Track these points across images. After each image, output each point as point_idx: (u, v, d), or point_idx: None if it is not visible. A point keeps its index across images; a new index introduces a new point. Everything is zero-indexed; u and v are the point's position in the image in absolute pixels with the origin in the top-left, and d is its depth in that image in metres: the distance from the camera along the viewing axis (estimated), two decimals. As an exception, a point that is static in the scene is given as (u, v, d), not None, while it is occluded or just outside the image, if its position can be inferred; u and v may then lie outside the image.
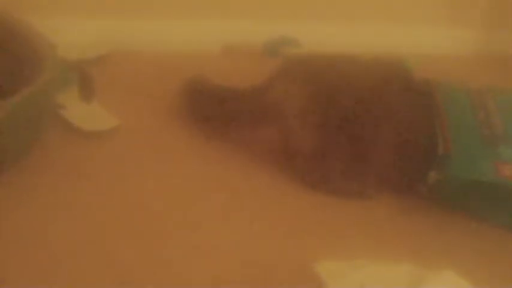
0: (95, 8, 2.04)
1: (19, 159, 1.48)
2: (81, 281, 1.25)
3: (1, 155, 1.42)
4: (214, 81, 1.78)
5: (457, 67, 2.23)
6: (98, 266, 1.29)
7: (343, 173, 1.59)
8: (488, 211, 1.54)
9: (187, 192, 1.54)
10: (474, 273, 1.35)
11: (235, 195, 1.55)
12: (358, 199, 1.59)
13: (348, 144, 1.57)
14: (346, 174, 1.59)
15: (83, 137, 1.64)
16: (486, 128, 1.55)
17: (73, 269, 1.28)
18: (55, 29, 1.70)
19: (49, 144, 1.57)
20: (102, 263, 1.30)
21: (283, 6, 2.19)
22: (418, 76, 1.69)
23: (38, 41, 1.56)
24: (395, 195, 1.59)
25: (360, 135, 1.57)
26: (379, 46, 2.13)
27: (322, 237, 1.46)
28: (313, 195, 1.57)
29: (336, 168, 1.59)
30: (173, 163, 1.62)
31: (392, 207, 1.58)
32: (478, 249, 1.48)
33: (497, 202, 1.52)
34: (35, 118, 1.48)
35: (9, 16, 1.63)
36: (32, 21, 1.61)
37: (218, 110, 1.70)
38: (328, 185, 1.59)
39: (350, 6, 2.26)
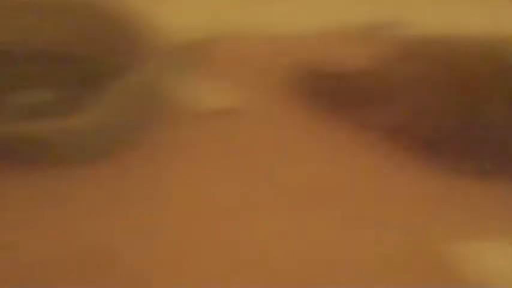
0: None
1: (133, 142, 1.49)
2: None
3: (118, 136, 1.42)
4: (325, 63, 1.75)
5: None
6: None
7: (472, 152, 1.53)
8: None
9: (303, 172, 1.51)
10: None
11: (362, 178, 1.51)
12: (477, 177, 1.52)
13: (461, 129, 1.53)
14: (475, 153, 1.53)
15: (197, 117, 1.64)
16: None
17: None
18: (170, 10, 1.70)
19: (163, 126, 1.58)
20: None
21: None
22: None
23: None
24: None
25: (476, 121, 1.52)
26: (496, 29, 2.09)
27: (450, 221, 1.41)
28: (441, 177, 1.51)
29: (449, 154, 1.54)
30: (286, 145, 1.60)
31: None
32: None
33: None
34: (147, 99, 1.49)
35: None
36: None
37: (341, 91, 1.68)
38: (458, 165, 1.53)
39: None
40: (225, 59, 1.87)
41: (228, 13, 2.05)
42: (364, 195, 1.47)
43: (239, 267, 1.27)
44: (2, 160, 1.41)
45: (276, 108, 1.71)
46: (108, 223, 1.34)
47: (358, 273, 1.28)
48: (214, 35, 1.98)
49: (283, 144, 1.59)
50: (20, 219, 1.34)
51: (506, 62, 1.58)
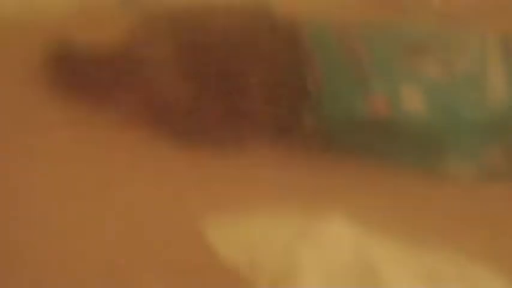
0: None
1: None
2: None
3: None
4: (74, 43, 1.69)
5: (322, 2, 2.22)
6: None
7: (217, 122, 1.55)
8: (366, 148, 1.54)
9: (55, 167, 1.47)
10: (364, 214, 1.36)
11: (109, 163, 1.49)
12: (235, 147, 1.55)
13: (219, 95, 1.54)
14: (220, 125, 1.55)
15: None
16: (355, 65, 1.55)
17: None
18: None
19: None
20: None
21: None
22: (281, 15, 1.66)
23: None
24: (275, 141, 1.56)
25: (230, 86, 1.54)
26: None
27: (204, 195, 1.43)
28: (190, 153, 1.52)
29: (209, 118, 1.55)
30: (38, 135, 1.54)
31: (273, 156, 1.55)
32: (365, 189, 1.48)
33: (372, 137, 1.52)
34: None
35: None
36: None
37: (83, 76, 1.63)
38: (203, 136, 1.56)
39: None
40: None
41: None
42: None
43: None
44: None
45: (22, 99, 1.63)
46: None
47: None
48: None
49: (29, 137, 1.53)
50: None
51: (253, 26, 1.61)
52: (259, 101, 1.55)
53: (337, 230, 1.30)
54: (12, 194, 1.36)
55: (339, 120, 1.51)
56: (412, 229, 1.35)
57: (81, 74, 1.64)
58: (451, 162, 1.54)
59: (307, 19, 1.65)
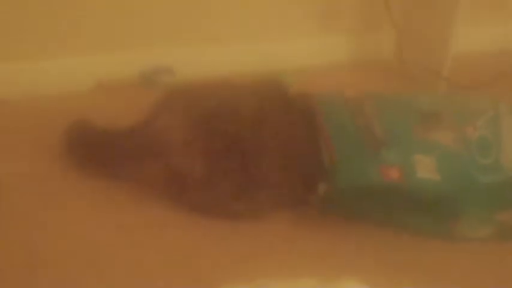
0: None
1: None
2: None
3: None
4: (94, 121, 1.74)
5: (333, 75, 2.27)
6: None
7: (233, 196, 1.57)
8: (381, 215, 1.55)
9: (79, 236, 1.49)
10: (376, 279, 1.35)
11: (128, 232, 1.52)
12: (251, 220, 1.57)
13: (235, 168, 1.56)
14: (237, 196, 1.57)
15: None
16: (368, 134, 1.57)
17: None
18: None
19: None
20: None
21: (153, 35, 2.18)
22: (296, 91, 1.70)
23: None
24: (289, 212, 1.59)
25: (247, 158, 1.57)
26: (255, 65, 2.17)
27: (221, 263, 1.44)
28: (207, 223, 1.55)
29: (225, 192, 1.57)
30: (62, 209, 1.57)
31: (287, 224, 1.57)
32: (378, 255, 1.49)
33: (387, 205, 1.53)
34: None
35: None
36: None
37: (102, 151, 1.67)
38: (218, 209, 1.57)
39: (220, 29, 2.28)
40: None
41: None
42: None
43: None
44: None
45: (44, 174, 1.68)
46: None
47: None
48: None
49: (50, 213, 1.56)
50: None
51: (267, 101, 1.64)
52: (274, 174, 1.57)
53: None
54: (34, 264, 1.38)
55: (353, 190, 1.51)
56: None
57: (99, 149, 1.67)
58: (465, 225, 1.54)
59: (319, 93, 1.69)
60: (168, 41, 2.20)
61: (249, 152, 1.57)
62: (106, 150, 1.66)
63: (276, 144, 1.58)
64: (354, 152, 1.54)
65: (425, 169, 1.52)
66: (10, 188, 1.61)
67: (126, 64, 2.14)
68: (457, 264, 1.48)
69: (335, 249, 1.50)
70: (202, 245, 1.50)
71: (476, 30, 2.55)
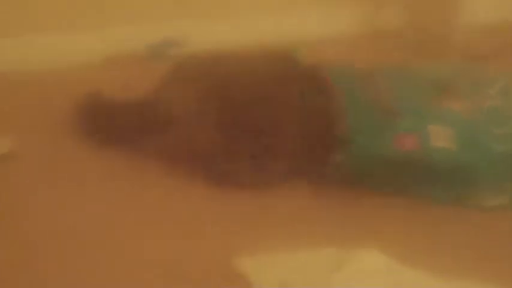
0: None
1: None
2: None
3: None
4: (105, 94, 1.74)
5: (343, 45, 2.26)
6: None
7: (249, 166, 1.57)
8: (396, 184, 1.55)
9: (91, 211, 1.49)
10: (394, 247, 1.36)
11: (144, 205, 1.51)
12: (267, 190, 1.56)
13: (249, 138, 1.56)
14: (253, 166, 1.57)
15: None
16: (381, 104, 1.57)
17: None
18: None
19: None
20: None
21: (161, 8, 2.18)
22: (307, 62, 1.69)
23: None
24: (305, 181, 1.58)
25: (260, 128, 1.56)
26: (264, 37, 2.16)
27: (240, 232, 1.44)
28: (224, 193, 1.54)
29: (241, 162, 1.57)
30: (72, 183, 1.57)
31: (304, 193, 1.57)
32: (396, 223, 1.49)
33: (401, 174, 1.53)
34: None
35: None
36: None
37: (114, 124, 1.66)
38: (235, 179, 1.57)
39: (229, 0, 2.27)
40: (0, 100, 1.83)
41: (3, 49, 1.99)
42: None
43: None
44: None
45: (54, 148, 1.68)
46: None
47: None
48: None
49: (63, 185, 1.56)
50: None
51: (278, 71, 1.64)
52: (289, 144, 1.57)
53: (369, 261, 1.30)
54: (47, 239, 1.39)
55: (368, 158, 1.52)
56: (442, 258, 1.35)
57: (113, 122, 1.67)
58: (481, 194, 1.54)
59: (331, 63, 1.68)
60: (176, 14, 2.19)
61: (262, 122, 1.57)
62: (118, 123, 1.66)
63: (290, 115, 1.57)
64: (367, 121, 1.54)
65: (440, 138, 1.52)
66: (22, 160, 1.62)
67: (134, 37, 2.14)
68: (473, 233, 1.48)
69: (352, 219, 1.50)
70: (219, 216, 1.50)
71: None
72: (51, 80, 1.95)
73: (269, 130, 1.56)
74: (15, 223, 1.43)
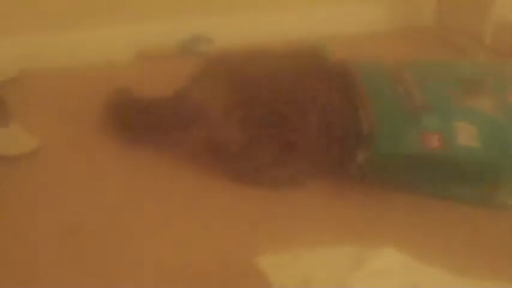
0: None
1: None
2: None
3: None
4: (135, 90, 1.76)
5: (373, 42, 2.26)
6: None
7: (272, 162, 1.58)
8: (419, 182, 1.55)
9: (120, 205, 1.51)
10: (414, 246, 1.36)
11: (169, 200, 1.53)
12: (290, 186, 1.57)
13: (275, 135, 1.57)
14: (276, 163, 1.58)
15: (5, 161, 1.60)
16: (408, 101, 1.56)
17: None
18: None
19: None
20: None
21: (191, 4, 2.19)
22: (334, 58, 1.70)
23: None
24: (328, 178, 1.59)
25: (286, 125, 1.57)
26: (293, 33, 2.16)
27: (261, 230, 1.45)
28: (247, 190, 1.56)
29: (264, 159, 1.58)
30: (102, 178, 1.59)
31: (326, 191, 1.57)
32: (416, 221, 1.49)
33: (426, 172, 1.53)
34: None
35: None
36: None
37: (143, 119, 1.68)
38: (258, 176, 1.58)
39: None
40: (28, 98, 1.85)
41: (27, 50, 2.01)
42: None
43: None
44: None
45: (83, 143, 1.71)
46: None
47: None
48: (14, 75, 1.94)
49: (89, 182, 1.58)
50: None
51: (305, 68, 1.65)
52: (313, 141, 1.57)
53: (387, 259, 1.30)
54: (71, 231, 1.41)
55: (392, 157, 1.52)
56: (459, 257, 1.35)
57: (141, 119, 1.69)
58: (506, 193, 1.54)
59: (358, 60, 1.69)
60: (206, 10, 2.20)
61: (288, 120, 1.57)
62: (147, 119, 1.68)
63: (315, 112, 1.58)
64: (393, 119, 1.54)
65: (466, 136, 1.51)
66: (51, 155, 1.65)
67: (166, 33, 2.15)
68: (498, 232, 1.48)
69: (373, 217, 1.50)
70: (242, 212, 1.51)
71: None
72: (81, 76, 1.98)
73: (294, 127, 1.57)
74: (42, 220, 1.45)
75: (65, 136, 1.73)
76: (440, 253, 1.36)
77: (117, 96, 1.76)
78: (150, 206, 1.51)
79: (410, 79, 1.62)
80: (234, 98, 1.59)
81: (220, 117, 1.59)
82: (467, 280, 1.27)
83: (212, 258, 1.35)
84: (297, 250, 1.35)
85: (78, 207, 1.49)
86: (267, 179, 1.58)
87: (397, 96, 1.58)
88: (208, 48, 2.15)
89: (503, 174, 1.52)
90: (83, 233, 1.41)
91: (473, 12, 2.25)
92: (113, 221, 1.45)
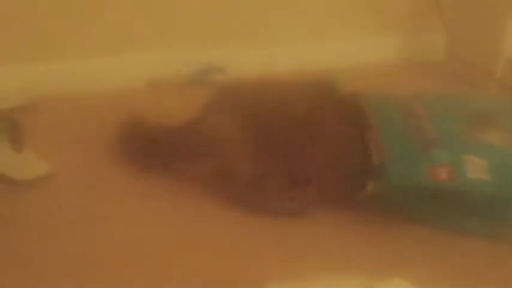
0: (14, 54, 2.03)
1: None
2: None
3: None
4: (146, 118, 1.77)
5: (384, 74, 2.27)
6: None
7: (281, 193, 1.59)
8: (429, 214, 1.55)
9: (129, 232, 1.52)
10: (421, 277, 1.35)
11: (177, 228, 1.54)
12: (298, 217, 1.58)
13: (284, 166, 1.59)
14: (285, 194, 1.59)
15: (17, 186, 1.62)
16: (418, 134, 1.57)
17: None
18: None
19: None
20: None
21: (205, 35, 2.22)
22: (346, 90, 1.71)
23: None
24: (337, 209, 1.58)
25: (296, 156, 1.58)
26: (306, 64, 2.17)
27: (269, 259, 1.45)
28: (255, 220, 1.56)
29: (273, 190, 1.59)
30: (112, 205, 1.60)
31: (335, 222, 1.57)
32: (425, 253, 1.49)
33: (435, 205, 1.53)
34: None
35: None
36: None
37: (154, 148, 1.69)
38: (266, 207, 1.59)
39: (272, 28, 2.30)
40: (41, 124, 1.86)
41: (41, 77, 2.03)
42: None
43: None
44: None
45: (94, 170, 1.72)
46: None
47: None
48: (28, 101, 1.96)
49: (99, 208, 1.59)
50: None
51: (316, 100, 1.66)
52: (323, 172, 1.58)
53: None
54: (81, 259, 1.41)
55: (401, 189, 1.52)
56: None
57: (152, 145, 1.70)
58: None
59: (370, 91, 1.70)
60: (219, 40, 2.22)
61: (298, 151, 1.58)
62: (159, 147, 1.69)
63: (325, 143, 1.58)
64: (403, 151, 1.55)
65: (476, 169, 1.51)
66: (62, 180, 1.66)
67: (178, 63, 2.17)
68: (503, 268, 1.47)
69: (381, 248, 1.50)
70: (250, 242, 1.51)
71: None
72: (93, 103, 2.00)
73: (305, 158, 1.58)
74: (50, 244, 1.46)
75: (76, 162, 1.74)
76: (449, 286, 1.36)
77: (129, 124, 1.77)
78: (159, 234, 1.51)
79: (421, 112, 1.63)
80: (244, 129, 1.60)
81: (232, 147, 1.60)
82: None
83: (220, 286, 1.35)
84: (305, 280, 1.35)
85: (87, 233, 1.50)
86: (276, 209, 1.58)
87: (407, 129, 1.59)
88: (221, 78, 2.16)
89: (512, 207, 1.52)
90: (91, 259, 1.42)
91: (484, 46, 2.26)
92: (120, 248, 1.46)
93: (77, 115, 1.96)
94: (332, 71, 1.85)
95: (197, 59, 2.19)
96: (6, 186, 1.62)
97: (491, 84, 2.21)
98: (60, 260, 1.41)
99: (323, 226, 1.56)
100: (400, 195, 1.53)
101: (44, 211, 1.56)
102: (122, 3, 2.09)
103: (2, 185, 1.62)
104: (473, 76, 2.27)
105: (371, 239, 1.52)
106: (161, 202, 1.62)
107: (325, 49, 2.33)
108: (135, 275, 1.38)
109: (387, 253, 1.48)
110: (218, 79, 2.15)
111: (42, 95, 1.99)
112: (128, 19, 2.11)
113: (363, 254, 1.48)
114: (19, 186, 1.62)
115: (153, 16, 2.14)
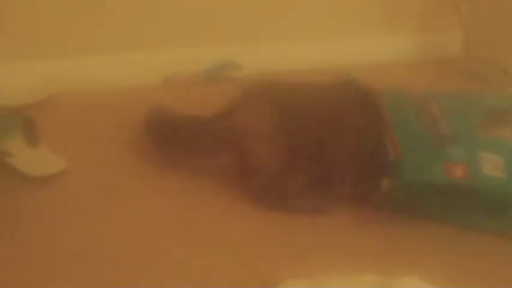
0: (30, 51, 2.03)
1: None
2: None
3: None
4: (171, 110, 1.77)
5: (399, 72, 2.27)
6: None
7: (300, 191, 1.59)
8: (444, 212, 1.54)
9: (146, 228, 1.52)
10: (437, 276, 1.35)
11: (194, 224, 1.54)
12: (315, 215, 1.58)
13: (306, 163, 1.59)
14: (304, 192, 1.59)
15: (31, 182, 1.62)
16: (433, 131, 1.57)
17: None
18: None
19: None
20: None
21: (220, 31, 2.21)
22: (362, 87, 1.70)
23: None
24: (353, 207, 1.59)
25: (321, 155, 1.58)
26: (320, 62, 2.17)
27: (284, 256, 1.45)
28: (272, 216, 1.56)
29: (292, 187, 1.59)
30: (128, 201, 1.60)
31: (351, 219, 1.57)
32: (439, 251, 1.48)
33: (451, 202, 1.52)
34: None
35: None
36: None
37: (180, 138, 1.69)
38: (285, 204, 1.59)
39: (286, 26, 2.29)
40: (56, 121, 1.88)
41: (57, 73, 2.04)
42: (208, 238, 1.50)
43: None
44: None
45: (110, 165, 1.72)
46: None
47: None
48: (44, 98, 1.96)
49: (118, 203, 1.59)
50: None
51: (341, 99, 1.66)
52: (342, 169, 1.58)
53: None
54: (95, 255, 1.42)
55: (417, 186, 1.51)
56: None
57: (173, 142, 1.70)
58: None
59: (385, 89, 1.69)
60: (235, 38, 2.22)
61: (323, 150, 1.59)
62: (183, 139, 1.69)
63: (346, 142, 1.59)
64: (419, 148, 1.54)
65: (492, 167, 1.50)
66: (76, 177, 1.66)
67: (193, 59, 2.17)
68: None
69: (397, 246, 1.49)
70: (267, 238, 1.51)
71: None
72: (108, 100, 2.00)
73: (328, 157, 1.58)
74: (63, 240, 1.46)
75: (92, 158, 1.75)
76: (464, 283, 1.35)
77: (155, 115, 1.77)
78: (176, 230, 1.51)
79: (436, 109, 1.62)
80: (274, 126, 1.60)
81: (261, 142, 1.60)
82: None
83: (236, 283, 1.35)
84: (320, 277, 1.34)
85: (102, 230, 1.50)
86: (293, 207, 1.58)
87: (423, 126, 1.58)
88: (237, 74, 2.16)
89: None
90: (105, 256, 1.42)
91: (500, 43, 2.26)
92: (138, 245, 1.46)
93: (92, 112, 1.96)
94: (348, 69, 1.84)
95: (212, 56, 2.19)
96: (20, 182, 1.62)
97: (507, 81, 2.21)
98: (73, 256, 1.41)
99: (338, 223, 1.56)
100: (415, 191, 1.52)
101: (58, 207, 1.56)
102: (139, 1, 2.10)
103: (16, 181, 1.63)
104: (489, 73, 2.26)
105: (388, 238, 1.52)
106: (178, 198, 1.62)
107: (341, 46, 2.34)
108: (148, 273, 1.38)
109: (405, 252, 1.48)
110: (233, 75, 2.16)
111: (58, 91, 2.01)
112: (145, 16, 2.12)
113: (379, 251, 1.47)
114: (33, 183, 1.62)
115: (169, 14, 2.14)
